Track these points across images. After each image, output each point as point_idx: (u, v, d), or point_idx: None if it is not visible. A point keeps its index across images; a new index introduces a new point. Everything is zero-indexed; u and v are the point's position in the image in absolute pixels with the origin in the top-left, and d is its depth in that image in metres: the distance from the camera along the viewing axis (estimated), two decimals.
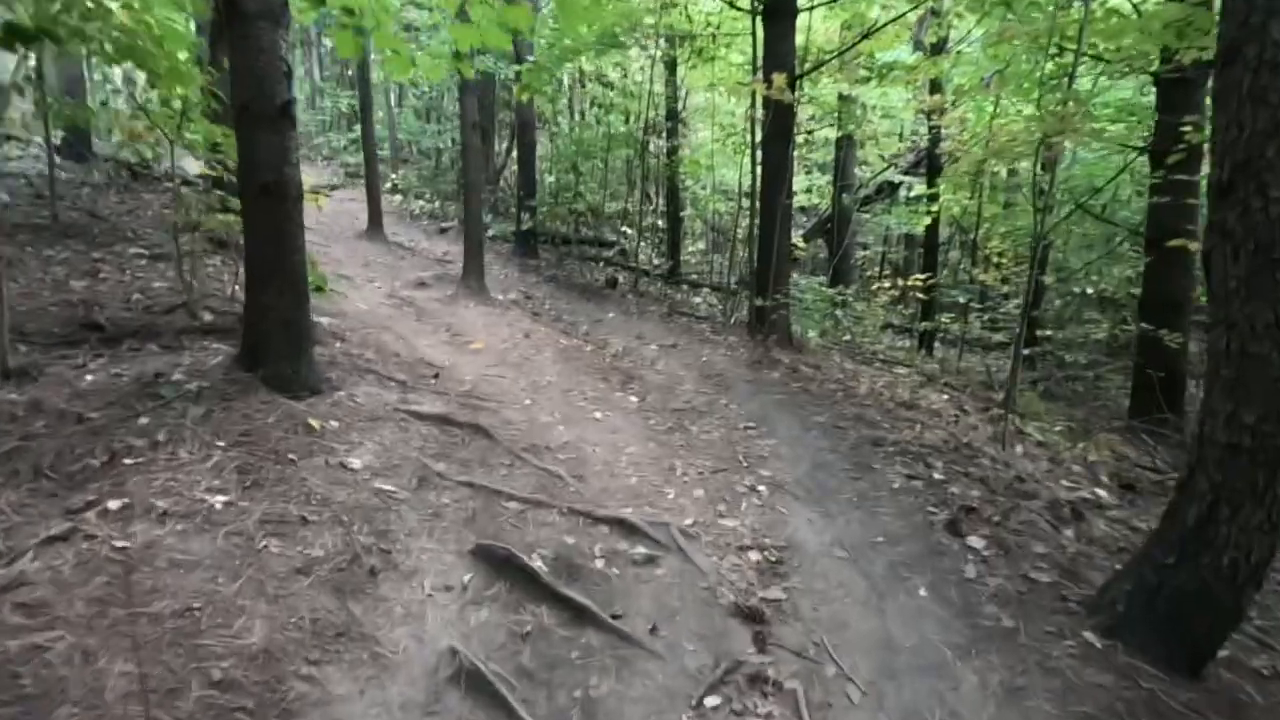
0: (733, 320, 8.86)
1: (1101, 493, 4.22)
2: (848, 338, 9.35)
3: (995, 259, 10.81)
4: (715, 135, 11.56)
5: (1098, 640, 2.57)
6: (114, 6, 4.03)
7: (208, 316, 4.79)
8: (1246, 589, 2.35)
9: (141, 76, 5.14)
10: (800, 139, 14.12)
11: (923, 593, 2.90)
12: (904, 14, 7.53)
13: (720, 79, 9.53)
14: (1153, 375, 6.19)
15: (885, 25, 7.65)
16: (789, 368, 6.42)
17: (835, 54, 7.12)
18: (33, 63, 5.45)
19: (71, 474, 2.76)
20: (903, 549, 3.18)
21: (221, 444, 3.12)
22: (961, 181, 9.79)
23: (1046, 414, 6.76)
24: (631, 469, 4.04)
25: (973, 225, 11.10)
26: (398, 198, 16.72)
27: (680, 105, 13.20)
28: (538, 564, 2.89)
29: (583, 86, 13.53)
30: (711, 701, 2.31)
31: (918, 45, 11.42)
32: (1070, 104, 4.58)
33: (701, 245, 17.36)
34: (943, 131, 10.51)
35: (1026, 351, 6.06)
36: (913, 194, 13.35)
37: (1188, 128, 5.30)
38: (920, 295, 9.93)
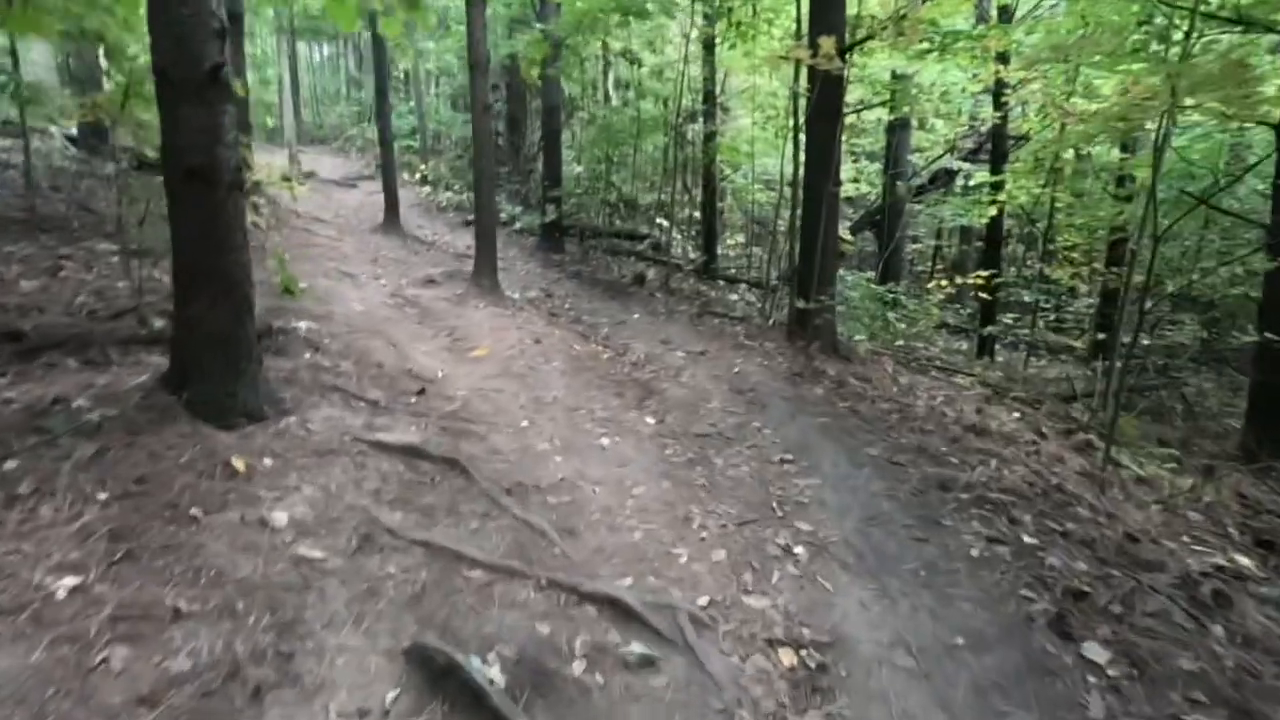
0: (771, 322, 7.99)
1: (1241, 559, 3.28)
2: (900, 342, 8.38)
3: (1067, 254, 9.69)
4: (756, 119, 10.64)
5: None
6: None
7: (159, 324, 4.17)
8: None
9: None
10: (848, 121, 13.10)
11: None
12: None
13: (761, 58, 8.60)
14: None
15: None
16: (835, 380, 5.55)
17: (892, 19, 6.18)
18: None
19: None
20: (993, 659, 2.34)
21: (104, 496, 2.46)
22: (1031, 167, 8.70)
23: (1144, 438, 5.75)
24: (637, 519, 3.26)
25: (1041, 216, 9.97)
26: (426, 189, 16.21)
27: (719, 88, 12.30)
28: (493, 672, 2.15)
29: (606, 65, 12.69)
30: None
31: (980, 19, 10.31)
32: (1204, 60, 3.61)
33: (741, 238, 16.44)
34: (1011, 111, 9.42)
35: (1119, 363, 5.08)
36: (973, 182, 12.23)
37: None
38: (982, 295, 8.88)
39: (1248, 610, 2.78)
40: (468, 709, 2.02)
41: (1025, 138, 9.90)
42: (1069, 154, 9.60)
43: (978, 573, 2.82)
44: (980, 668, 2.31)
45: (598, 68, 13.37)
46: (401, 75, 21.06)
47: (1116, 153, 8.98)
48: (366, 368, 4.53)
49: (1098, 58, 6.26)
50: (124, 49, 3.90)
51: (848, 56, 6.30)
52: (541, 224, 11.01)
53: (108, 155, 9.08)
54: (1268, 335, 5.29)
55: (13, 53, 5.78)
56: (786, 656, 2.40)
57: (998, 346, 10.02)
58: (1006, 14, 9.54)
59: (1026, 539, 3.07)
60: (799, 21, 6.53)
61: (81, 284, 4.79)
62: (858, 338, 8.11)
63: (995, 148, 9.81)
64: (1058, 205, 9.27)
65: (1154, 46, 5.76)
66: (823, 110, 6.43)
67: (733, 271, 13.16)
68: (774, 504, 3.48)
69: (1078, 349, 9.11)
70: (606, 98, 14.33)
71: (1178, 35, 5.02)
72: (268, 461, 2.97)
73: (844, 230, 13.89)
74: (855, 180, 14.23)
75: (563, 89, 11.20)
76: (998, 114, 8.84)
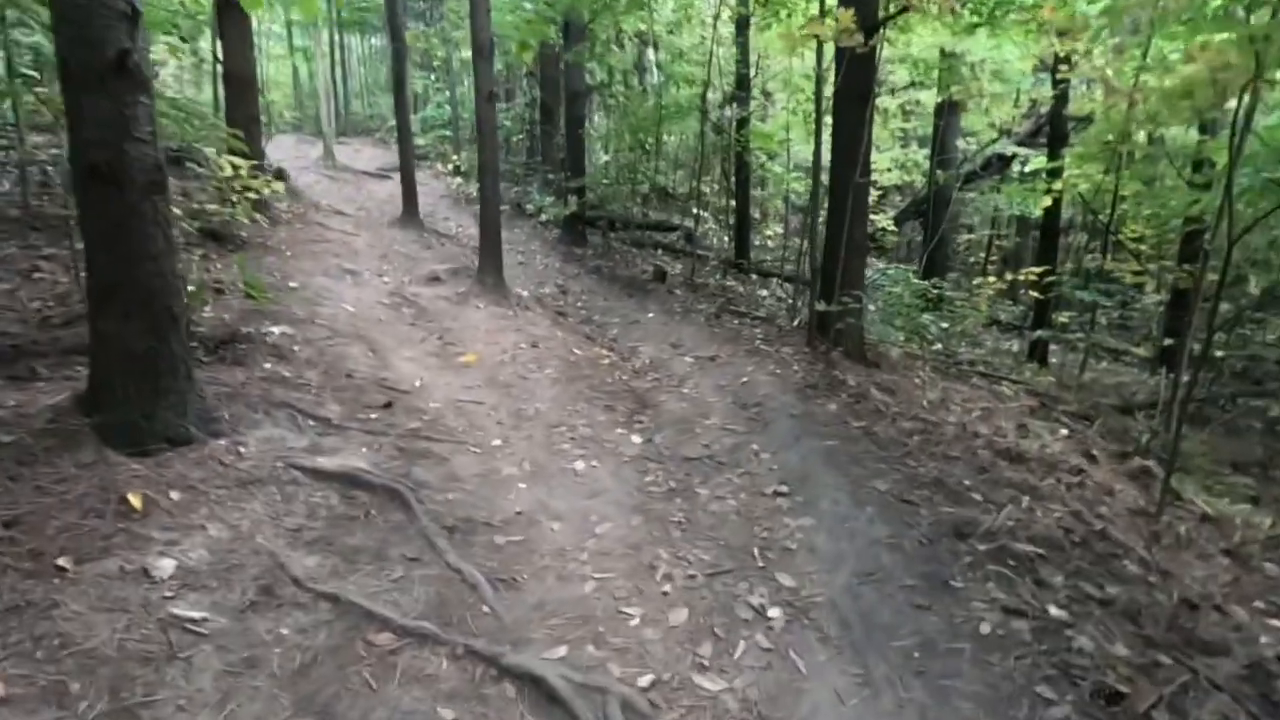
0: (797, 322, 7.43)
1: None
2: (938, 346, 7.71)
3: (1134, 247, 8.79)
4: (790, 104, 10.00)
5: None
6: None
7: None
8: None
9: None
10: (891, 104, 12.29)
11: None
12: None
13: (782, 35, 7.96)
14: None
15: None
16: (853, 393, 5.00)
17: None
18: None
19: None
20: None
21: None
22: (1094, 151, 7.85)
23: (1215, 461, 5.04)
24: (593, 565, 2.85)
25: (1105, 206, 9.06)
26: (458, 180, 16.03)
27: (754, 71, 11.67)
28: None
29: (620, 47, 12.14)
30: None
31: None
32: None
33: (780, 229, 15.75)
34: (1071, 90, 8.56)
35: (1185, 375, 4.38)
36: (1029, 168, 11.30)
37: None
38: (1035, 293, 8.10)
39: None
40: None
41: (1088, 119, 9.01)
42: (1140, 136, 8.68)
43: (986, 657, 2.31)
44: None
45: (628, 53, 12.84)
46: (436, 64, 20.92)
47: (1194, 134, 8.05)
48: (334, 378, 4.23)
49: (1173, 26, 5.48)
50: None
51: (881, 32, 5.67)
52: (563, 216, 10.62)
53: None
54: None
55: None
56: None
57: (1052, 347, 9.21)
58: None
59: (1053, 610, 2.53)
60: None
61: (53, 287, 4.62)
62: (895, 335, 7.48)
63: (1054, 130, 8.95)
64: (1123, 193, 8.38)
65: (1238, 10, 4.98)
66: (850, 92, 5.83)
67: (768, 263, 12.57)
68: (756, 549, 3.01)
69: (1141, 354, 8.24)
70: (639, 83, 13.83)
71: None
72: (175, 495, 2.67)
73: (888, 221, 13.10)
74: (901, 167, 13.41)
75: (586, 75, 10.75)
76: (1056, 92, 8.00)
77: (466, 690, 2.14)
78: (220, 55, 7.73)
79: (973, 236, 17.50)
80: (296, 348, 4.47)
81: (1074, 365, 9.10)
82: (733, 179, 12.00)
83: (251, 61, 7.75)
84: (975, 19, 7.57)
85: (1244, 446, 5.96)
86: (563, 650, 2.34)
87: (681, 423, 4.43)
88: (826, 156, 6.28)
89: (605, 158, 12.11)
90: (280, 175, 11.30)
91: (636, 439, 4.17)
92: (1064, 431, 5.45)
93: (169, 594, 2.23)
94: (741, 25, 10.48)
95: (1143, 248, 9.33)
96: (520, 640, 2.37)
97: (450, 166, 16.65)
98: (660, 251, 11.61)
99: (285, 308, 5.22)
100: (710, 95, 10.37)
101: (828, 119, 6.37)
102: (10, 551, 2.19)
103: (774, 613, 2.59)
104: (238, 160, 5.54)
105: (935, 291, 8.59)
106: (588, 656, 2.33)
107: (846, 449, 3.98)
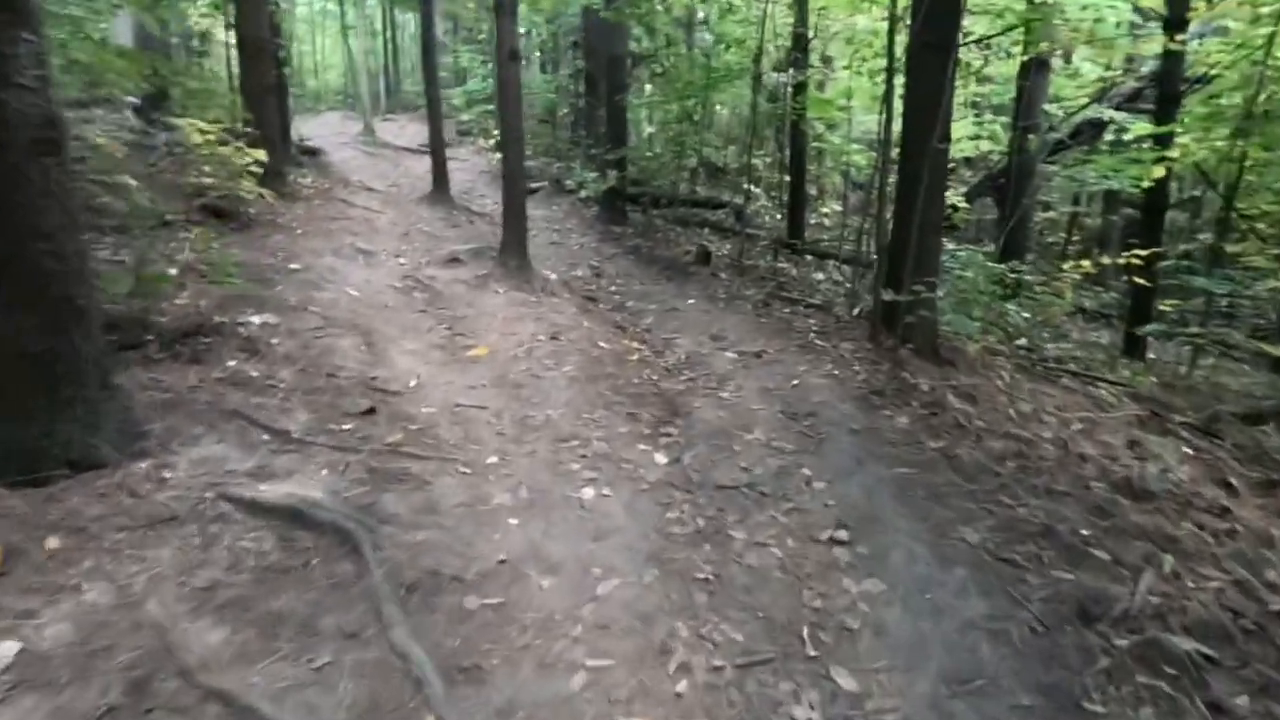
0: (857, 311, 6.56)
1: None
2: (1022, 341, 6.72)
3: (1259, 227, 7.56)
4: (852, 64, 8.97)
5: None
6: None
7: None
8: None
9: None
10: (969, 65, 11.07)
11: None
12: None
13: None
14: None
15: None
16: (928, 401, 4.17)
17: None
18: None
19: None
20: None
21: None
22: (1220, 114, 6.67)
23: None
24: (586, 646, 2.16)
25: (1224, 179, 7.81)
26: (498, 155, 15.45)
27: (811, 32, 10.62)
28: None
29: (663, 5, 11.20)
30: None
31: None
32: None
33: (838, 206, 14.64)
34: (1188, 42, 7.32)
35: None
36: (1128, 136, 9.98)
37: None
38: (1138, 279, 6.99)
39: None
40: None
41: (1204, 79, 7.76)
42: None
43: None
44: None
45: (674, 4, 11.87)
46: (481, 37, 20.36)
47: None
48: (312, 377, 3.64)
49: None
50: None
51: None
52: (601, 191, 9.89)
53: (159, 129, 8.72)
54: None
55: None
56: None
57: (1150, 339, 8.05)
58: None
59: None
60: None
61: None
62: (971, 327, 6.53)
63: (1163, 90, 7.72)
64: (1248, 163, 7.15)
65: None
66: (930, 39, 4.91)
67: (825, 243, 11.59)
68: (805, 627, 2.28)
69: (1269, 351, 7.06)
70: (688, 47, 12.89)
71: None
72: (53, 543, 2.09)
73: (958, 197, 11.92)
74: (975, 138, 12.16)
75: (629, 37, 9.93)
76: (1178, 41, 6.79)
77: None
78: (234, 21, 7.23)
79: (1051, 214, 16.01)
80: (276, 340, 3.90)
81: (1179, 362, 7.96)
82: (786, 151, 11.03)
83: (267, 27, 7.24)
84: None
85: None
86: None
87: (717, 436, 3.69)
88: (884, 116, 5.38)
89: (650, 129, 11.29)
90: (308, 150, 10.92)
91: (661, 458, 3.46)
92: (1187, 450, 4.50)
93: None
94: None
95: (1261, 226, 8.07)
96: None
97: (492, 142, 16.10)
98: (707, 230, 10.77)
99: (277, 292, 4.68)
100: (763, 60, 9.42)
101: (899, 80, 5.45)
102: None
103: None
104: (204, 126, 4.93)
105: (1014, 276, 7.53)
106: None
107: (922, 479, 3.18)
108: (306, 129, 15.85)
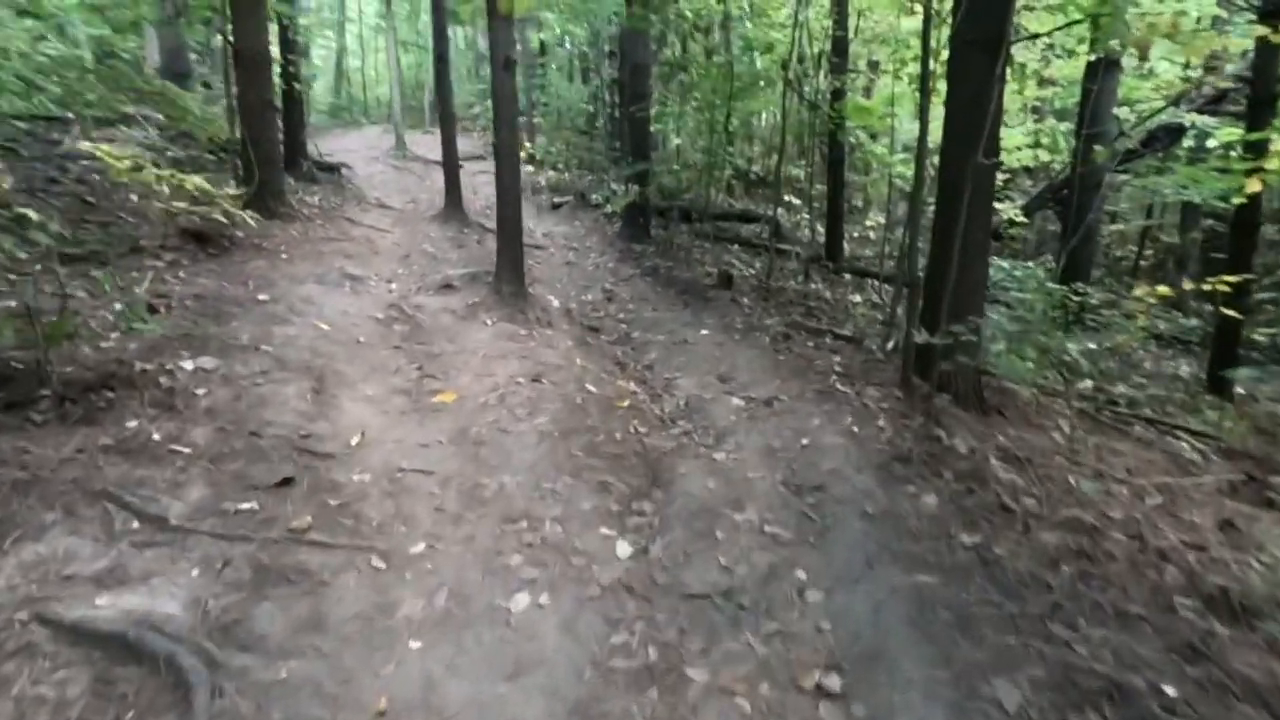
0: (891, 345, 5.81)
1: None
2: (1087, 382, 5.84)
3: None
4: (893, 66, 8.21)
5: None
6: None
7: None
8: None
9: None
10: (1029, 66, 10.16)
11: None
12: None
13: None
14: None
15: None
16: (964, 472, 3.43)
17: None
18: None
19: None
20: None
21: None
22: None
23: None
24: None
25: None
26: (529, 168, 15.10)
27: (850, 34, 9.86)
28: None
29: (725, 17, 10.59)
30: None
31: None
32: None
33: (883, 218, 13.76)
34: None
35: None
36: (1211, 143, 8.90)
37: None
38: (1225, 309, 6.02)
39: None
40: None
41: None
42: None
43: None
44: None
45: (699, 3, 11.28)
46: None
47: None
48: (230, 437, 3.15)
49: None
50: None
51: None
52: (623, 206, 9.34)
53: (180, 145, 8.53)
54: None
55: None
56: None
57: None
58: None
59: None
60: None
61: None
62: (1023, 367, 5.69)
63: (1256, 90, 6.73)
64: None
65: None
66: (974, 37, 4.19)
67: (866, 260, 10.77)
68: None
69: None
70: (723, 51, 12.26)
71: None
72: None
73: (1015, 211, 10.92)
74: (1035, 145, 11.16)
75: (651, 45, 9.38)
76: (1257, 45, 5.86)
77: None
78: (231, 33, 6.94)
79: (1120, 227, 14.71)
80: (203, 390, 3.44)
81: (1276, 399, 6.93)
82: (825, 161, 10.28)
83: (265, 38, 6.93)
84: None
85: None
86: None
87: (700, 517, 3.05)
88: (936, 133, 4.65)
89: (677, 141, 10.70)
90: (326, 166, 10.68)
91: (625, 548, 2.83)
92: None
93: None
94: None
95: None
96: None
97: (524, 155, 15.78)
98: (737, 247, 10.11)
99: (230, 329, 4.24)
100: (797, 64, 8.73)
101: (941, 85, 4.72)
102: None
103: None
104: (113, 151, 4.44)
105: (1078, 299, 6.61)
106: None
107: (948, 595, 2.47)
108: (342, 143, 15.83)
